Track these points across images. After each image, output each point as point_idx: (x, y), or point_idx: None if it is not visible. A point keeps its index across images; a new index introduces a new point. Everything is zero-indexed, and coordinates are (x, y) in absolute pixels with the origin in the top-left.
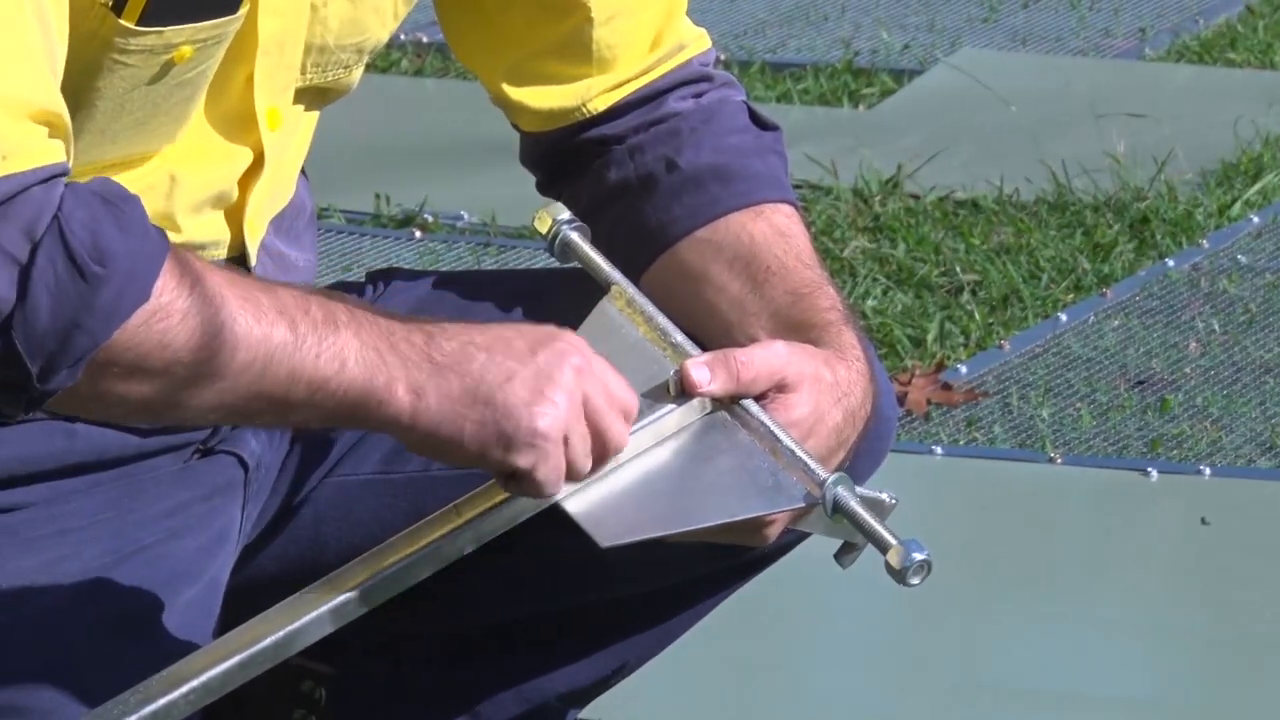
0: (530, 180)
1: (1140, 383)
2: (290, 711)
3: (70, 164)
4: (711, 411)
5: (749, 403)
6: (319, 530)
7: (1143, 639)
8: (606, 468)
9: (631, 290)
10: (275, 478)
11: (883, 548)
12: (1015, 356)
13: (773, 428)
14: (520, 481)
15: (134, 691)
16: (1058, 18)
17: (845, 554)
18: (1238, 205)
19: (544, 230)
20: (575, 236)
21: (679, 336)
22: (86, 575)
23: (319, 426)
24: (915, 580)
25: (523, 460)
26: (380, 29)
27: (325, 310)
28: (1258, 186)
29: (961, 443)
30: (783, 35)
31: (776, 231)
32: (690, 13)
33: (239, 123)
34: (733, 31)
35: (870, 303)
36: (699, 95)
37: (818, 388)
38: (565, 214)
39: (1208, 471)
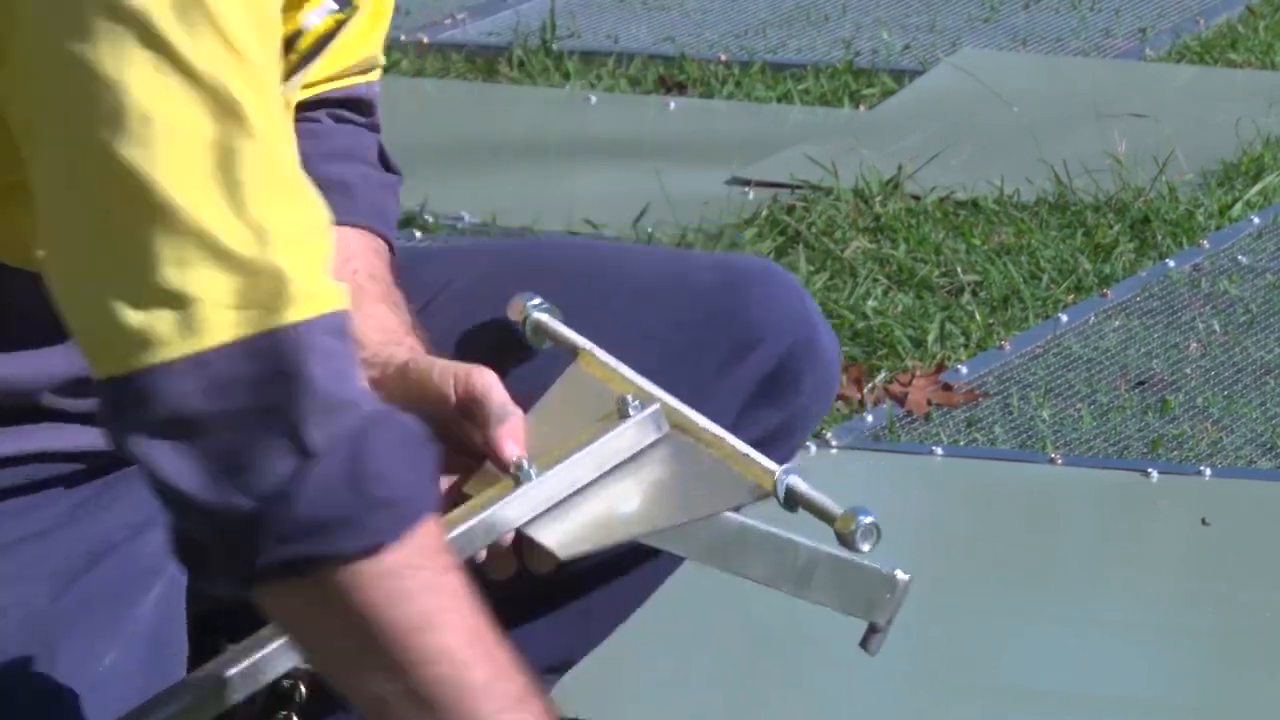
0: (531, 181)
1: (1141, 383)
2: (272, 711)
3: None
4: (655, 442)
5: (689, 411)
6: None
7: (1143, 639)
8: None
9: (600, 354)
10: None
11: (829, 519)
12: (1016, 357)
13: (716, 431)
14: None
15: None
16: (1058, 18)
17: (870, 637)
18: (1238, 206)
19: (517, 317)
20: (544, 317)
21: (651, 387)
22: (61, 576)
23: None
24: (865, 546)
25: None
26: None
27: (524, 689)
28: (1258, 187)
29: (962, 443)
30: (783, 35)
31: (375, 253)
32: (690, 13)
33: None
34: (733, 31)
35: (871, 303)
36: (339, 120)
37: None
38: (536, 299)
39: (1208, 472)
